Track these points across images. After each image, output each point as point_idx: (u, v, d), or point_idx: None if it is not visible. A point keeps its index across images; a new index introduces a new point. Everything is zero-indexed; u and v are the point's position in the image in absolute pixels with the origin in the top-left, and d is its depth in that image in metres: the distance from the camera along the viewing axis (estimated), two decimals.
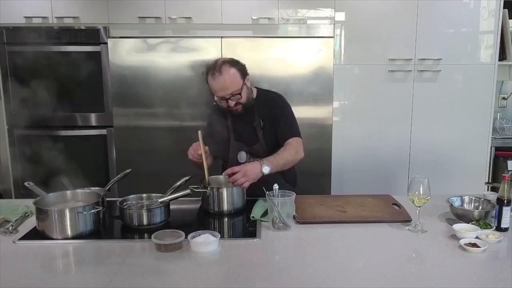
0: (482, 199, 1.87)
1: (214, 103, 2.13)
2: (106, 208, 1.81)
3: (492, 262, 1.46)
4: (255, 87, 2.20)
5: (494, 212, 1.69)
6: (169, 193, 1.86)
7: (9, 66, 3.14)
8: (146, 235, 1.65)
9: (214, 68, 2.01)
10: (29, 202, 1.77)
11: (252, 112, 2.14)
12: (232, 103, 2.04)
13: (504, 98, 3.78)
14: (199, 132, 1.98)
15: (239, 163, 2.02)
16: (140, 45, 3.02)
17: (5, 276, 1.36)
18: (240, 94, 2.03)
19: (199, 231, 1.57)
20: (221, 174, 2.05)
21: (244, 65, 2.09)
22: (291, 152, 2.02)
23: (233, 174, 1.87)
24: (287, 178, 2.18)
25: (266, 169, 1.89)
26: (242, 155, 2.14)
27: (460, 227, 1.64)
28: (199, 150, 1.97)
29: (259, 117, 2.13)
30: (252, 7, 3.10)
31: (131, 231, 1.74)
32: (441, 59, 3.19)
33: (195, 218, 1.97)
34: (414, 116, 3.27)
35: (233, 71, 2.02)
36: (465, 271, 1.39)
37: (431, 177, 1.69)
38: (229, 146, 2.17)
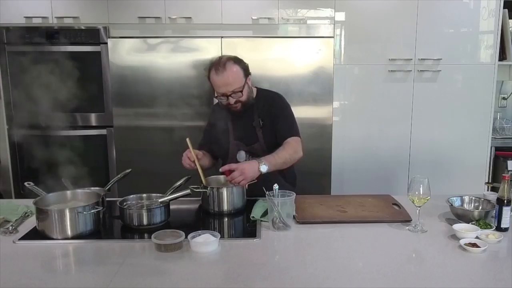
0: (482, 199, 1.87)
1: (215, 97, 2.13)
2: (106, 208, 1.81)
3: (492, 262, 1.46)
4: (255, 87, 2.21)
5: (494, 212, 1.69)
6: (169, 193, 1.86)
7: (9, 66, 3.14)
8: (146, 235, 1.65)
9: (218, 64, 2.02)
10: (29, 202, 1.77)
11: (251, 111, 2.14)
12: (232, 100, 2.05)
13: (504, 98, 3.78)
14: (187, 140, 1.99)
15: (238, 163, 2.02)
16: (140, 45, 3.02)
17: (5, 276, 1.36)
18: (241, 92, 2.04)
19: (199, 231, 1.57)
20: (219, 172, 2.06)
21: (247, 64, 2.10)
22: (290, 151, 2.02)
23: (230, 171, 1.88)
24: (287, 178, 2.18)
25: (264, 168, 1.89)
26: (242, 154, 2.14)
27: (460, 227, 1.64)
28: (191, 158, 1.98)
29: (259, 117, 2.13)
30: (252, 7, 3.10)
31: (131, 231, 1.73)
32: (441, 59, 3.19)
33: (195, 218, 1.97)
34: (414, 116, 3.27)
35: (236, 69, 2.03)
36: (465, 271, 1.39)
37: (431, 177, 1.69)
38: (229, 145, 2.18)
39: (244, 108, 2.10)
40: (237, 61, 2.06)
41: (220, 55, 2.87)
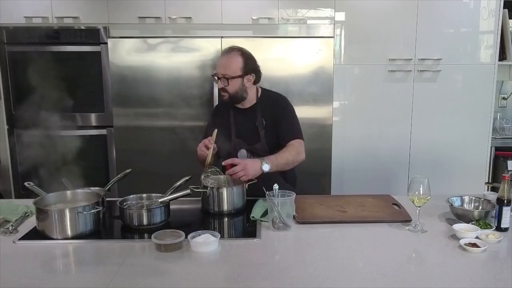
0: (482, 199, 1.87)
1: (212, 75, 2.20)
2: (106, 208, 1.81)
3: (492, 262, 1.46)
4: (260, 87, 2.22)
5: (494, 212, 1.69)
6: (169, 193, 1.86)
7: (9, 66, 3.14)
8: (146, 235, 1.65)
9: (228, 48, 2.12)
10: (29, 202, 1.77)
11: (255, 111, 2.15)
12: (220, 84, 2.10)
13: (504, 98, 3.78)
14: (216, 130, 2.02)
15: None
16: (140, 45, 3.02)
17: (5, 276, 1.36)
18: (229, 80, 2.06)
19: (199, 231, 1.57)
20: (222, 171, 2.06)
21: (257, 67, 2.14)
22: (292, 152, 2.04)
23: (233, 165, 1.89)
24: (287, 179, 2.18)
25: (266, 167, 1.91)
26: (243, 153, 2.15)
27: (460, 227, 1.64)
28: (210, 143, 1.99)
29: (262, 116, 2.14)
30: (252, 7, 3.10)
31: (131, 231, 1.73)
32: (441, 59, 3.19)
33: (195, 218, 1.97)
34: (414, 116, 3.27)
35: (238, 59, 2.09)
36: (465, 271, 1.39)
37: (431, 177, 1.69)
38: (230, 143, 2.18)
39: (231, 100, 2.13)
40: (244, 54, 2.11)
41: (220, 56, 2.87)
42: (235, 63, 2.08)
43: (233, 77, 2.07)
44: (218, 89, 2.16)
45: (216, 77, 2.12)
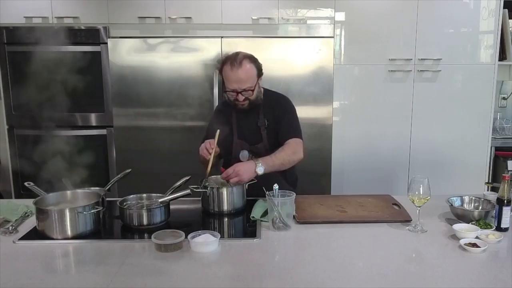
0: (482, 199, 1.87)
1: (224, 92, 2.13)
2: (106, 208, 1.81)
3: (492, 262, 1.46)
4: (262, 87, 2.22)
5: (494, 212, 1.69)
6: (169, 193, 1.86)
7: (9, 66, 3.15)
8: (146, 235, 1.65)
9: (234, 59, 2.02)
10: (29, 202, 1.77)
11: (257, 111, 2.15)
12: (241, 97, 2.05)
13: (504, 98, 3.78)
14: (218, 131, 2.00)
15: (240, 162, 2.02)
16: (140, 45, 3.02)
17: (5, 276, 1.36)
18: (252, 91, 2.05)
19: (199, 231, 1.57)
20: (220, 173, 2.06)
21: (261, 64, 2.12)
22: (288, 152, 2.02)
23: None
24: (288, 179, 2.18)
25: (260, 170, 1.90)
26: (244, 154, 2.14)
27: (460, 227, 1.64)
28: (211, 147, 1.97)
29: (264, 117, 2.14)
30: (252, 7, 3.10)
31: (131, 231, 1.74)
32: (441, 59, 3.19)
33: (195, 218, 1.97)
34: (414, 116, 3.27)
35: (252, 67, 2.04)
36: (465, 271, 1.39)
37: (431, 177, 1.69)
38: (232, 144, 2.18)
39: (250, 106, 2.10)
40: (253, 60, 2.07)
41: (220, 56, 2.87)
42: (250, 72, 2.03)
43: (254, 86, 2.05)
44: (233, 100, 2.08)
45: (233, 93, 2.04)
